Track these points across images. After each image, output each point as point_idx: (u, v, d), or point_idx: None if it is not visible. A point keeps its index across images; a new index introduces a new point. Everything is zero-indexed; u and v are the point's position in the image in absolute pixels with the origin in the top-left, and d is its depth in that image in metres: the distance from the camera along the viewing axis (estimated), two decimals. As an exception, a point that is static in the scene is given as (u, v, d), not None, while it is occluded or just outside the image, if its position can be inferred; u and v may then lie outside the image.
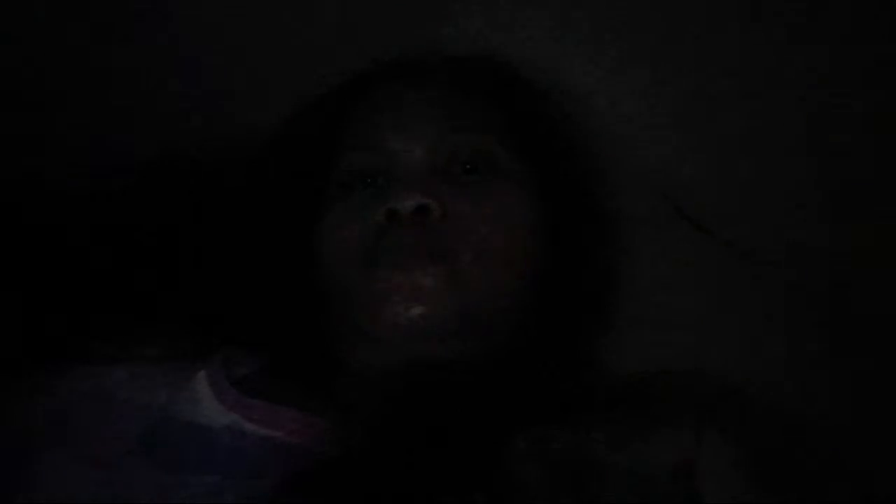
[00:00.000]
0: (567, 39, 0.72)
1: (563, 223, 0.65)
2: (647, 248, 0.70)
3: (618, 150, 0.72)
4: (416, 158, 0.62)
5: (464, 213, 0.60)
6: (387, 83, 0.68)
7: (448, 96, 0.66)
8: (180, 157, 0.71)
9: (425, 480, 0.50)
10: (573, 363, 0.62)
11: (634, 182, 0.73)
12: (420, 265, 0.57)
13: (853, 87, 0.70)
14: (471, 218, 0.60)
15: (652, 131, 0.73)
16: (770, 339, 0.68)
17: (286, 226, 0.65)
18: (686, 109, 0.73)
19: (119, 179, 0.69)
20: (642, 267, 0.70)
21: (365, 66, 0.71)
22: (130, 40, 0.72)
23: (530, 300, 0.62)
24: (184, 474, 0.53)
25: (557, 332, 0.62)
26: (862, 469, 0.57)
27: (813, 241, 0.71)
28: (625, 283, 0.69)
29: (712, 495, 0.50)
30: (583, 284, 0.65)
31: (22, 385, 0.58)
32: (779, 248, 0.71)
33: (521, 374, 0.58)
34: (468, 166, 0.63)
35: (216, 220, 0.67)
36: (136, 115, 0.74)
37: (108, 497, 0.52)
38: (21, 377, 0.58)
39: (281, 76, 0.73)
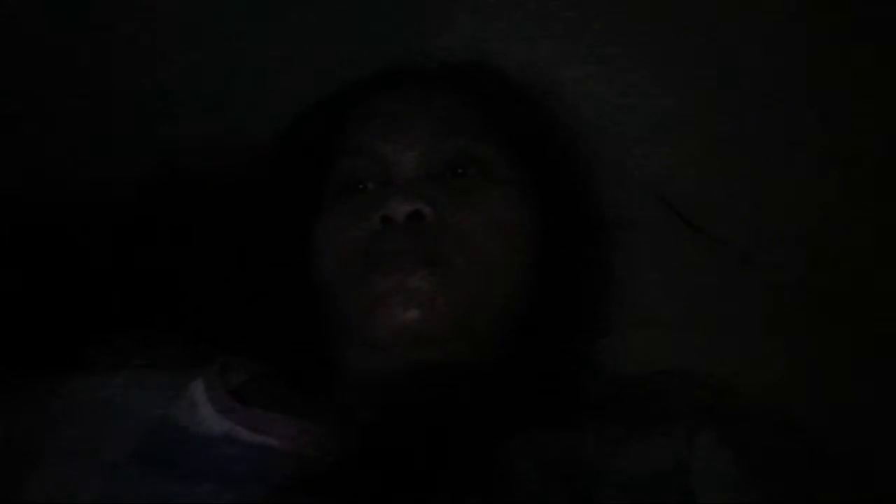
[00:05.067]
0: (562, 43, 0.72)
1: (558, 227, 0.65)
2: (644, 250, 0.70)
3: (614, 153, 0.72)
4: (410, 164, 0.62)
5: (458, 218, 0.60)
6: (382, 90, 0.68)
7: (442, 102, 0.66)
8: (179, 162, 0.71)
9: (421, 483, 0.50)
10: (568, 365, 0.62)
11: (631, 184, 0.73)
12: (414, 270, 0.58)
13: (853, 86, 0.70)
14: (465, 222, 0.60)
15: (648, 133, 0.73)
16: (768, 340, 0.68)
17: (282, 231, 0.65)
18: (683, 111, 0.73)
19: (118, 186, 0.69)
20: (638, 269, 0.70)
21: (360, 74, 0.71)
22: (130, 44, 0.73)
23: (525, 303, 0.62)
24: (181, 482, 0.53)
25: (552, 334, 0.62)
26: (859, 470, 0.56)
27: (812, 241, 0.71)
28: (621, 284, 0.69)
29: (707, 496, 0.50)
30: (577, 287, 0.65)
31: (21, 392, 0.58)
32: (778, 249, 0.71)
33: (517, 377, 0.58)
34: (461, 171, 0.63)
35: (213, 225, 0.67)
36: (135, 120, 0.74)
37: (105, 504, 0.52)
38: (20, 384, 0.59)
39: (277, 83, 0.74)
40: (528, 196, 0.64)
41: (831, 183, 0.70)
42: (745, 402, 0.58)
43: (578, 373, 0.63)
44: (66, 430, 0.56)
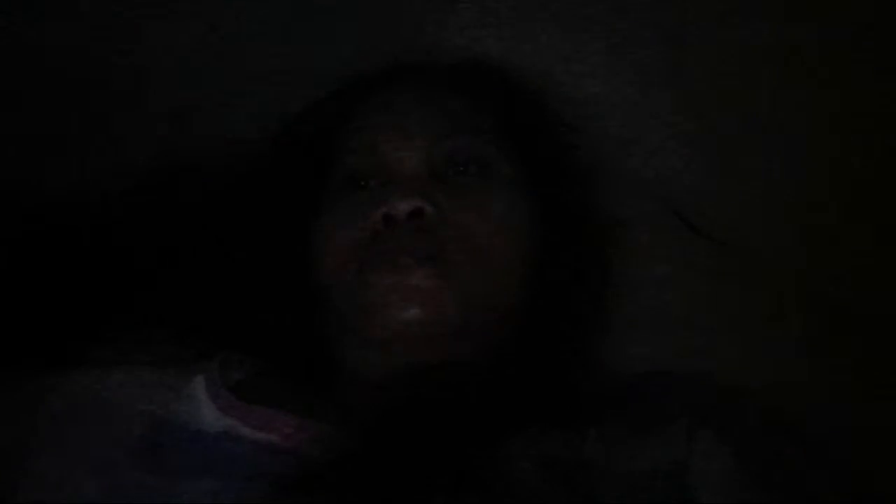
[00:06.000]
0: (563, 43, 0.72)
1: (558, 225, 0.65)
2: (644, 249, 0.70)
3: (614, 152, 0.73)
4: (412, 161, 0.62)
5: (459, 216, 0.60)
6: (384, 87, 0.68)
7: (444, 100, 0.66)
8: (178, 159, 0.71)
9: (421, 482, 0.50)
10: (569, 364, 0.62)
11: (631, 183, 0.73)
12: (415, 268, 0.58)
13: (854, 86, 0.70)
14: (466, 220, 0.60)
15: (649, 133, 0.73)
16: (768, 340, 0.68)
17: (283, 230, 0.65)
18: (683, 111, 0.73)
19: (118, 183, 0.69)
20: (639, 268, 0.70)
21: (362, 71, 0.71)
22: (129, 40, 0.73)
23: (526, 302, 0.62)
24: (180, 479, 0.53)
25: (553, 333, 0.62)
26: (859, 470, 0.56)
27: (813, 241, 0.71)
28: (621, 284, 0.69)
29: (707, 495, 0.50)
30: (577, 287, 0.65)
31: (20, 389, 0.58)
32: (778, 249, 0.71)
33: (517, 375, 0.58)
34: (462, 170, 0.63)
35: (213, 223, 0.67)
36: (135, 117, 0.74)
37: (105, 502, 0.52)
38: (19, 381, 0.59)
39: (280, 80, 0.74)
40: (528, 195, 0.64)
41: (832, 183, 0.71)
42: (745, 402, 0.58)
43: (578, 372, 0.63)
44: (65, 427, 0.56)
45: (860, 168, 0.71)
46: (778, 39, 0.71)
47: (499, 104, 0.68)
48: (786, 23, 0.70)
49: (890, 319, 0.67)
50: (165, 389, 0.58)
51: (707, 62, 0.71)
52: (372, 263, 0.59)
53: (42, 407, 0.57)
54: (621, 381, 0.63)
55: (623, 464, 0.53)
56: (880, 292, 0.69)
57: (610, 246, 0.69)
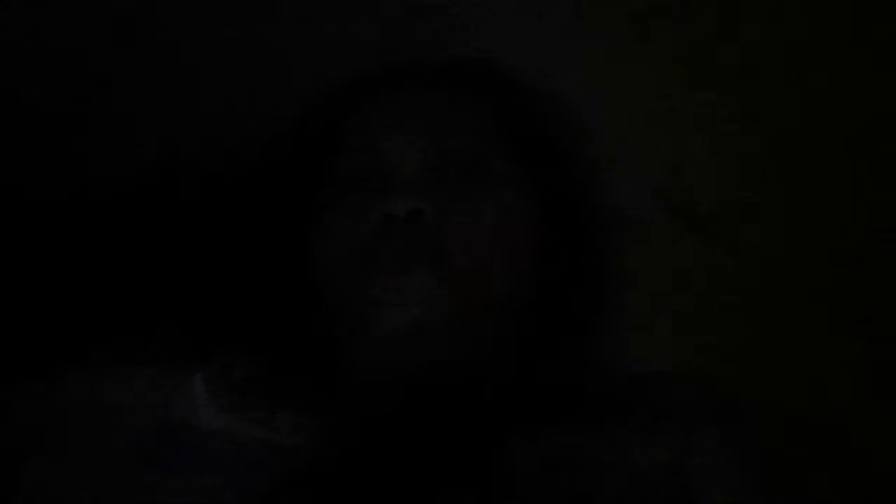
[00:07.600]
0: (563, 42, 0.72)
1: (558, 226, 0.65)
2: (645, 249, 0.71)
3: (615, 151, 0.73)
4: (412, 161, 0.62)
5: (459, 216, 0.60)
6: (383, 87, 0.68)
7: (444, 100, 0.66)
8: (178, 160, 0.71)
9: (421, 481, 0.50)
10: (569, 364, 0.62)
11: (633, 183, 0.73)
12: (415, 267, 0.58)
13: (854, 86, 0.70)
14: (466, 220, 0.60)
15: (650, 132, 0.73)
16: (767, 340, 0.68)
17: (283, 229, 0.65)
18: (685, 110, 0.73)
19: (118, 184, 0.69)
20: (640, 268, 0.70)
21: (362, 71, 0.71)
22: (129, 43, 0.73)
23: (526, 302, 0.62)
24: (181, 477, 0.53)
25: (553, 332, 0.62)
26: (861, 469, 0.57)
27: (814, 241, 0.71)
28: (621, 284, 0.69)
29: (706, 496, 0.50)
30: (577, 287, 0.65)
31: (19, 389, 0.58)
32: (779, 248, 0.71)
33: (517, 375, 0.58)
34: (462, 170, 0.63)
35: (213, 222, 0.67)
36: (135, 118, 0.75)
37: (105, 501, 0.52)
38: (19, 382, 0.59)
39: (279, 80, 0.74)
40: (528, 195, 0.64)
41: (832, 183, 0.71)
42: (745, 403, 0.59)
43: (578, 372, 0.63)
44: (65, 427, 0.56)
45: (860, 166, 0.71)
46: (777, 37, 0.71)
47: (498, 104, 0.68)
48: (784, 21, 0.70)
49: (890, 319, 0.67)
50: (165, 389, 0.58)
51: (707, 62, 0.72)
52: (372, 263, 0.59)
53: (42, 407, 0.57)
54: (621, 381, 0.63)
55: (623, 464, 0.53)
56: (881, 291, 0.69)
57: (610, 245, 0.69)
